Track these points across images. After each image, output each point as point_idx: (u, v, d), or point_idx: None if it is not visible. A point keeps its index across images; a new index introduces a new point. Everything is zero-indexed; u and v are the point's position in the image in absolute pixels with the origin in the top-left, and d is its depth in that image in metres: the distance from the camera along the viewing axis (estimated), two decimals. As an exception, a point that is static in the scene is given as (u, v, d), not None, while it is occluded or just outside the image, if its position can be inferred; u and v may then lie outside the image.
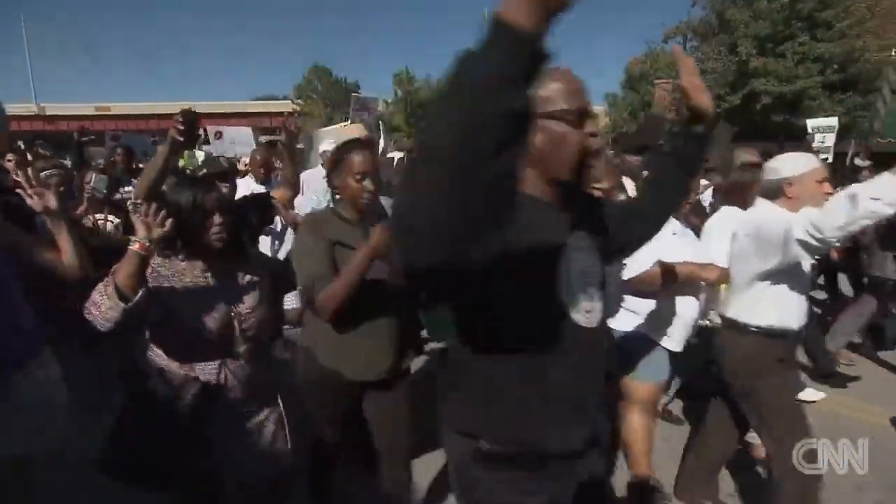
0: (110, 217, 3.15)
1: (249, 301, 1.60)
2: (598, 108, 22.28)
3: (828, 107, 11.00)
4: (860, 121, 10.96)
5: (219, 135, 7.11)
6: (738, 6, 12.61)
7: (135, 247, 1.34)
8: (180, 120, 1.72)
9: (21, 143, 6.52)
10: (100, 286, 1.33)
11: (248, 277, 1.64)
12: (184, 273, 1.52)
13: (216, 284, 1.55)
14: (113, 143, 5.79)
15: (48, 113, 23.95)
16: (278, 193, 2.38)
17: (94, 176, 3.06)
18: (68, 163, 4.60)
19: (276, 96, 29.25)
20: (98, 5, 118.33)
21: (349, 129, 2.77)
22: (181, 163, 5.26)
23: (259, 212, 2.30)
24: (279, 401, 1.73)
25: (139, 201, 1.64)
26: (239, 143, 6.85)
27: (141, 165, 6.59)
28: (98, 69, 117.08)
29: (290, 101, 24.71)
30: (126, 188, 4.19)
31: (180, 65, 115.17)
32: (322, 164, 4.32)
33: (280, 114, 23.09)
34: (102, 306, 1.31)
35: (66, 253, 1.56)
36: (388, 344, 1.72)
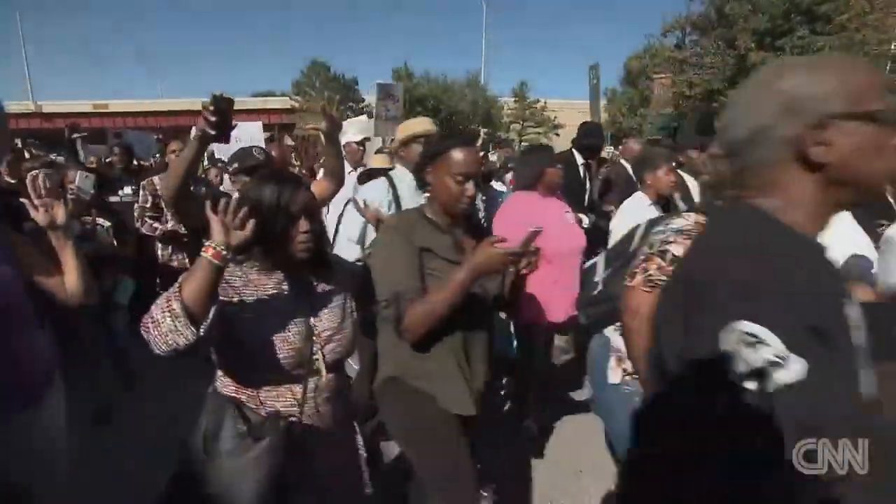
0: (99, 219, 2.92)
1: (332, 319, 1.34)
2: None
3: (827, 101, 10.98)
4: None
5: None
6: (738, 0, 12.56)
7: (208, 254, 1.08)
8: (211, 108, 1.47)
9: (18, 142, 6.48)
10: (161, 301, 1.07)
11: (330, 290, 1.37)
12: (257, 284, 1.27)
13: (295, 299, 1.30)
14: (116, 140, 5.64)
15: (45, 111, 23.86)
16: (319, 187, 2.07)
17: (78, 174, 2.69)
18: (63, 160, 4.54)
19: (274, 92, 29.13)
20: (95, 2, 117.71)
21: (415, 123, 2.40)
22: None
23: None
24: (360, 443, 1.47)
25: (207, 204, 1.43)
26: (246, 139, 6.44)
27: (144, 163, 6.49)
28: (95, 66, 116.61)
29: (288, 98, 24.62)
30: (125, 189, 4.12)
31: (177, 61, 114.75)
32: (345, 157, 4.20)
33: (279, 110, 23.03)
34: (163, 326, 1.05)
35: (71, 277, 1.39)
36: (484, 369, 1.52)
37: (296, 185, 1.27)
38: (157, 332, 1.05)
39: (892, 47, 11.67)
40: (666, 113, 15.24)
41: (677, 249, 1.40)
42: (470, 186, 1.43)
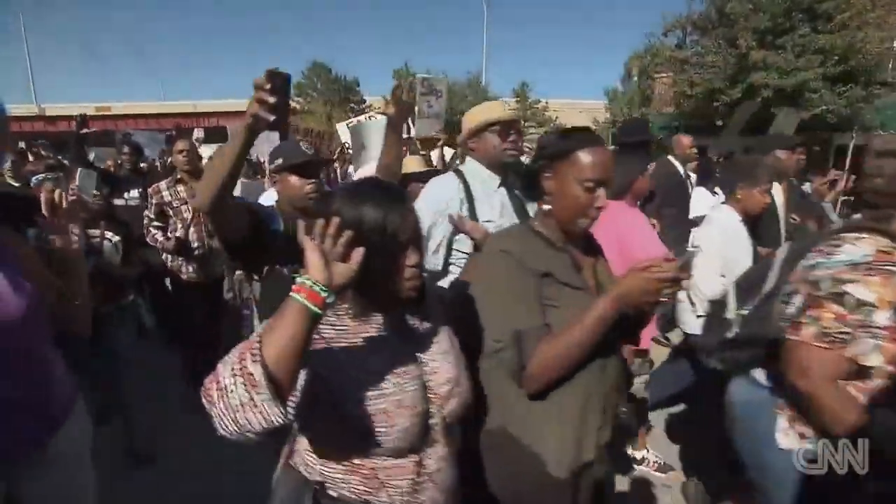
0: (107, 234, 2.65)
1: (448, 369, 1.05)
2: (599, 102, 22.29)
3: (828, 99, 10.95)
4: (861, 113, 10.92)
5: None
6: (739, -1, 12.53)
7: (301, 296, 0.78)
8: (268, 87, 1.12)
9: (22, 144, 6.50)
10: (233, 360, 0.77)
11: (436, 330, 1.09)
12: (355, 333, 0.97)
13: (402, 349, 1.01)
14: (124, 139, 5.28)
15: (48, 114, 23.94)
16: None
17: (79, 172, 2.34)
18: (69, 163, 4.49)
19: (275, 94, 29.19)
20: (97, 4, 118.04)
21: (489, 108, 2.03)
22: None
23: None
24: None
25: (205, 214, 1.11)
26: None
27: (155, 165, 6.38)
28: (98, 69, 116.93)
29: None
30: (131, 192, 3.98)
31: (180, 63, 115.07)
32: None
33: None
34: (233, 398, 0.74)
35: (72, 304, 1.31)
36: (614, 414, 1.30)
37: (403, 206, 0.96)
38: (223, 405, 0.74)
39: (894, 45, 11.65)
40: (667, 112, 15.23)
41: (859, 291, 1.11)
42: (601, 194, 1.19)
